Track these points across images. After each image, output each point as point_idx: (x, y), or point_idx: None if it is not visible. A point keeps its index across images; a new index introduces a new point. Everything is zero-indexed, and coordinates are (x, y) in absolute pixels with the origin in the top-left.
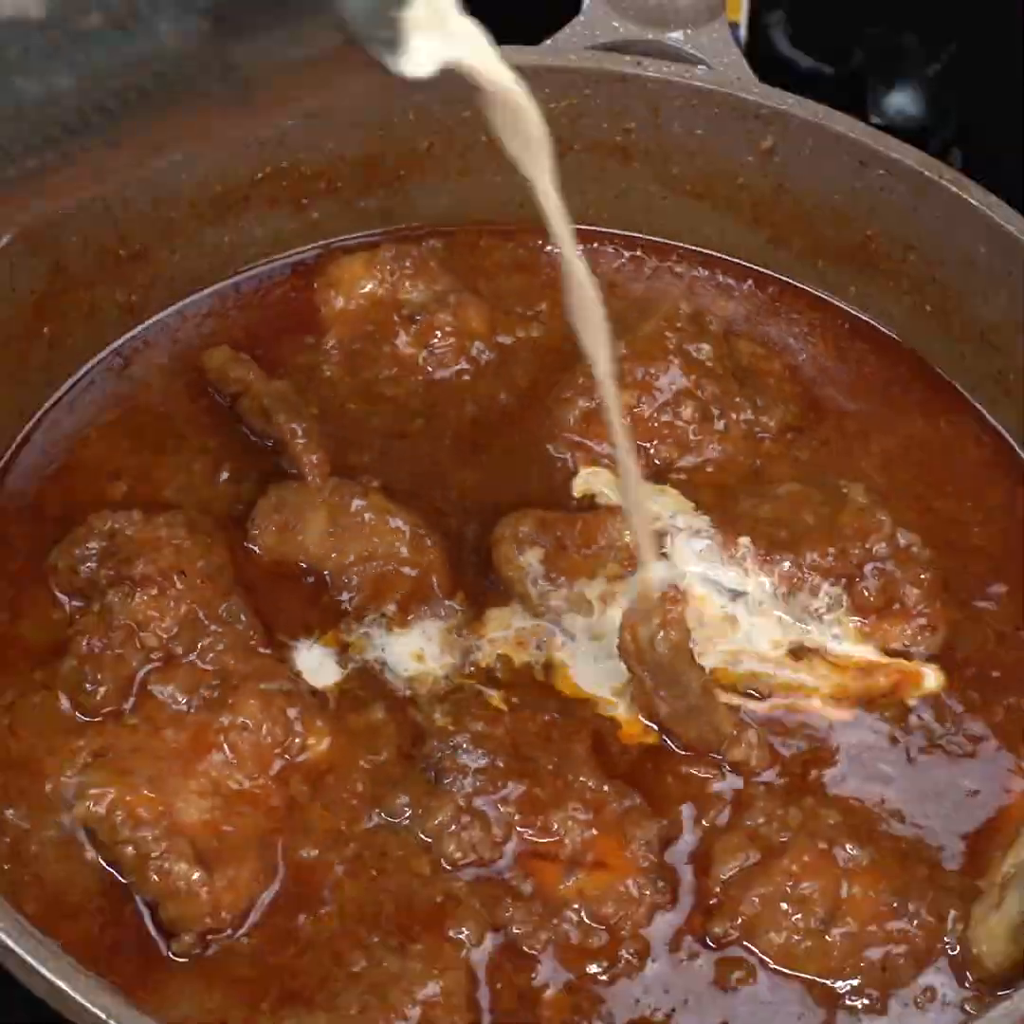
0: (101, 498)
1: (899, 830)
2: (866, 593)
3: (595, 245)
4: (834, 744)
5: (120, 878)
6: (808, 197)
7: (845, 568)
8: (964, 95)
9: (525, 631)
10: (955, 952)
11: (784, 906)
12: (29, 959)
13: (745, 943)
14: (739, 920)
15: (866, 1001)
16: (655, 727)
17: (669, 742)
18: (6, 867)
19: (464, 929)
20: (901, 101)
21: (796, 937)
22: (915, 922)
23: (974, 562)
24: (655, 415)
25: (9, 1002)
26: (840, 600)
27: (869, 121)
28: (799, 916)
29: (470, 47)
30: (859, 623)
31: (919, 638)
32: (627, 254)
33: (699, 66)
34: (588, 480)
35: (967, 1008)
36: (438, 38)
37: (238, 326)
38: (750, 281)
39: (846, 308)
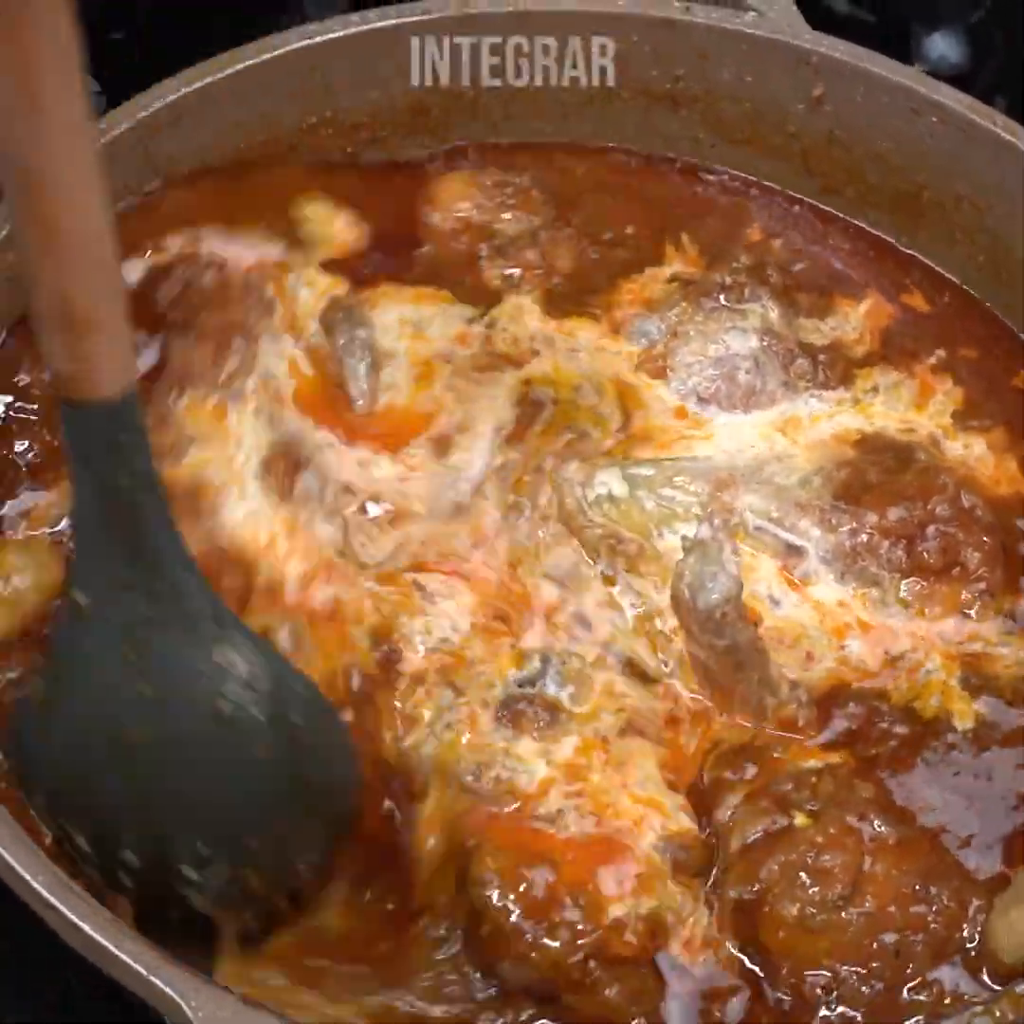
0: None
1: (935, 814)
2: (926, 555)
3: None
4: (888, 724)
5: None
6: (859, 145)
7: (906, 529)
8: (1007, 40)
9: None
10: (973, 945)
11: (803, 877)
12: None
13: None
14: (755, 886)
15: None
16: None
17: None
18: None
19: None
20: (944, 47)
21: (811, 910)
22: (935, 908)
23: None
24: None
25: None
26: (900, 562)
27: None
28: (817, 888)
29: None
30: (918, 585)
31: (977, 603)
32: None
33: (749, 13)
34: None
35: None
36: None
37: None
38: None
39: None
